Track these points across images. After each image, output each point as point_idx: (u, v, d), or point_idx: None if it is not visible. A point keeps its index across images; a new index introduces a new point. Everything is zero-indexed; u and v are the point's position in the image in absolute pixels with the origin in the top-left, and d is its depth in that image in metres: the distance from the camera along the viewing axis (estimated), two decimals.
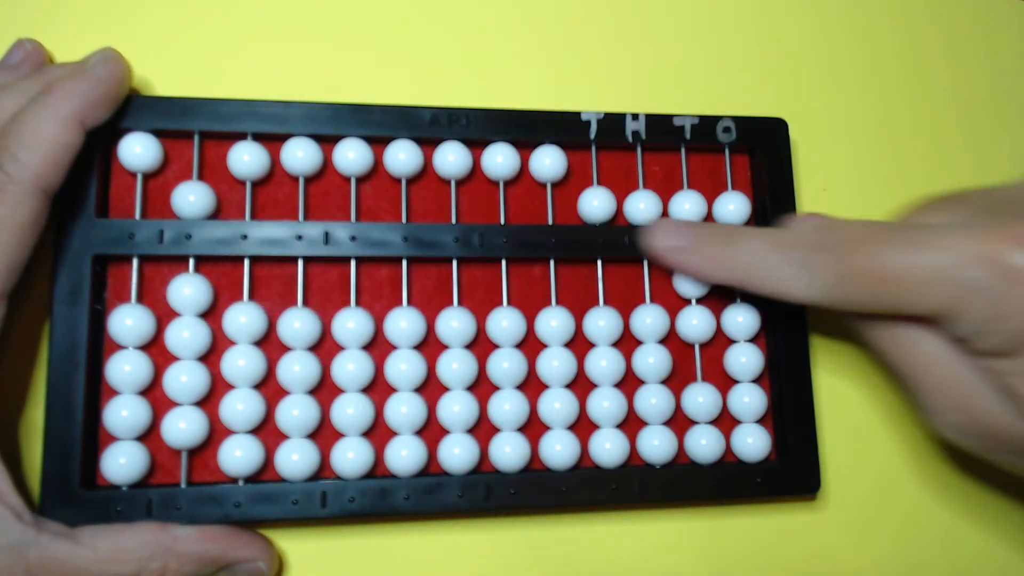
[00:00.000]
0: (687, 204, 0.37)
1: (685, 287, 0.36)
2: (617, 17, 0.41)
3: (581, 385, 0.35)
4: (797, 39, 0.42)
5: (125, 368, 0.31)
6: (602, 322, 0.35)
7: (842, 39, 0.43)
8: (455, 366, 0.34)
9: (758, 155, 0.38)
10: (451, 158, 0.35)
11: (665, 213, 0.37)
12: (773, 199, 0.37)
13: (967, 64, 0.44)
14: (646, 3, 0.41)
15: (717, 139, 0.37)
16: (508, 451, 0.33)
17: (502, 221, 0.36)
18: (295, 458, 0.32)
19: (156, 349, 0.32)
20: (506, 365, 0.34)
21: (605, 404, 0.34)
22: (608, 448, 0.34)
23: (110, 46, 0.32)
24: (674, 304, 0.37)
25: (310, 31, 0.38)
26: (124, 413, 0.31)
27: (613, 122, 0.36)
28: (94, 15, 0.36)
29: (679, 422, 0.36)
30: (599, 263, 0.36)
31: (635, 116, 0.37)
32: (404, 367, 0.33)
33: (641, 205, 0.36)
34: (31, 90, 0.30)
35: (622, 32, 0.41)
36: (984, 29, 0.45)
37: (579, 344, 0.35)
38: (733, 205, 0.37)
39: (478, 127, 0.35)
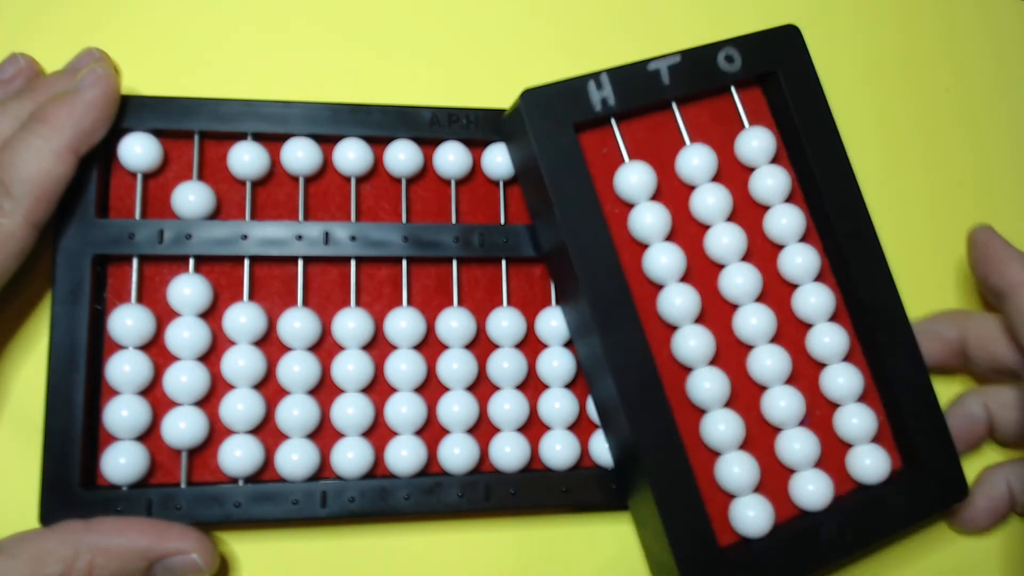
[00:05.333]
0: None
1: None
2: (624, 19, 0.41)
3: (582, 385, 0.35)
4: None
5: (125, 368, 0.31)
6: None
7: (842, 39, 0.43)
8: (455, 366, 0.34)
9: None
10: (451, 158, 0.35)
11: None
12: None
13: (968, 63, 0.44)
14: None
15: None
16: (508, 451, 0.33)
17: (502, 221, 0.36)
18: (295, 458, 0.32)
19: (156, 349, 0.32)
20: (506, 365, 0.34)
21: None
22: (608, 448, 0.34)
23: (99, 48, 0.32)
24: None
25: (310, 31, 0.38)
26: (124, 413, 0.31)
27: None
28: (94, 14, 0.36)
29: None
30: None
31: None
32: (404, 367, 0.33)
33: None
34: (22, 112, 0.30)
35: (626, 33, 0.41)
36: (985, 29, 0.45)
37: None
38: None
39: (478, 127, 0.35)
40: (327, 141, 0.35)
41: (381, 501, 0.32)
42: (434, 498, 0.32)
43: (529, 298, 0.36)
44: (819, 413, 0.35)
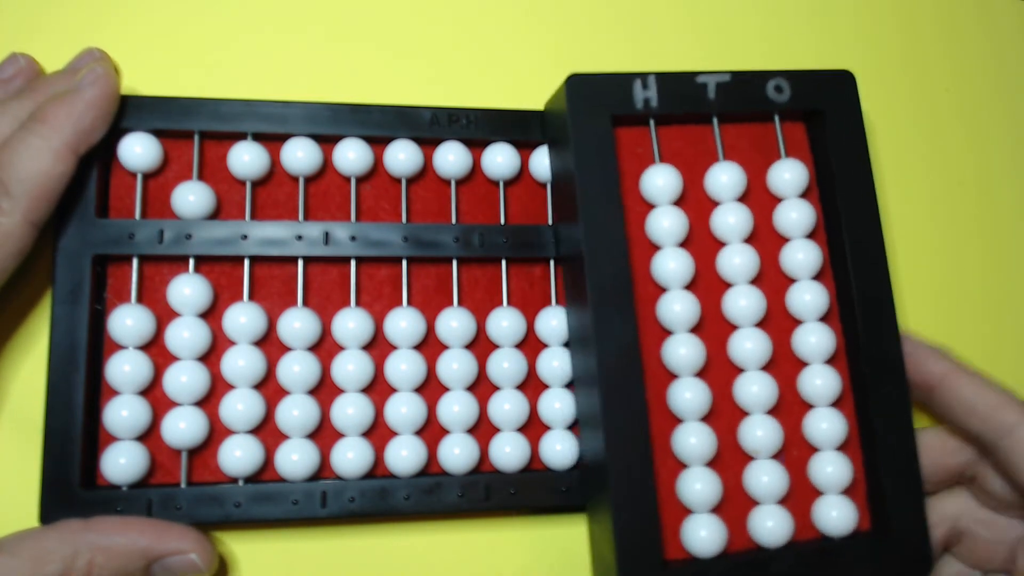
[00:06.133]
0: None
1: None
2: (620, 16, 0.41)
3: None
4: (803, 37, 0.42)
5: (125, 368, 0.31)
6: None
7: (843, 39, 0.43)
8: (455, 366, 0.34)
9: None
10: (451, 158, 0.35)
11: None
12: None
13: (968, 63, 0.44)
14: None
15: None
16: (508, 451, 0.33)
17: (502, 221, 0.36)
18: (295, 458, 0.32)
19: (156, 349, 0.32)
20: (506, 365, 0.34)
21: None
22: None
23: (99, 48, 0.32)
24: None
25: (310, 31, 0.38)
26: (124, 413, 0.31)
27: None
28: (94, 14, 0.36)
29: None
30: None
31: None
32: (404, 367, 0.33)
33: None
34: (22, 112, 0.30)
35: (625, 32, 0.41)
36: (985, 29, 0.45)
37: None
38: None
39: (478, 127, 0.35)
40: (327, 141, 0.35)
41: (381, 501, 0.32)
42: (434, 498, 0.32)
43: (529, 298, 0.36)
44: (796, 453, 0.34)
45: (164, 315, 0.33)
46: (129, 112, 0.32)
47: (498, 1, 0.40)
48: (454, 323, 0.34)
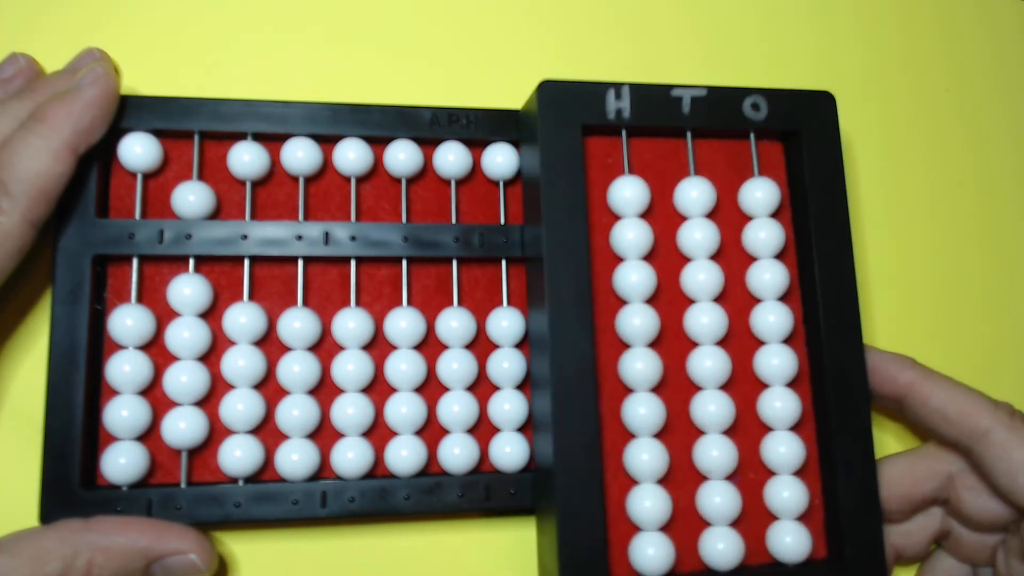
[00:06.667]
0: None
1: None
2: (620, 17, 0.41)
3: None
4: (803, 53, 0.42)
5: (125, 368, 0.31)
6: None
7: (843, 39, 0.43)
8: (455, 366, 0.34)
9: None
10: (451, 158, 0.35)
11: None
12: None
13: (968, 63, 0.44)
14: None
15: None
16: (508, 451, 0.33)
17: (502, 221, 0.36)
18: (295, 458, 0.32)
19: (156, 349, 0.32)
20: (506, 365, 0.34)
21: None
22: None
23: (99, 48, 0.32)
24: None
25: (310, 31, 0.38)
26: (124, 413, 0.31)
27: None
28: (94, 14, 0.36)
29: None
30: None
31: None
32: (404, 367, 0.33)
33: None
34: (21, 112, 0.30)
35: (625, 32, 0.41)
36: (985, 29, 0.45)
37: None
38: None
39: (478, 127, 0.35)
40: (327, 141, 0.35)
41: (381, 501, 0.32)
42: (434, 498, 0.32)
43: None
44: (753, 476, 0.33)
45: (164, 315, 0.33)
46: (129, 112, 0.32)
47: (498, 1, 0.40)
48: (454, 323, 0.34)
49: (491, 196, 0.36)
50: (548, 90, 0.33)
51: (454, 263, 0.35)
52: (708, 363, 0.33)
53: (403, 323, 0.33)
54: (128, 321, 0.32)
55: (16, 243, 0.29)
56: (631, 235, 0.33)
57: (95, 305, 0.31)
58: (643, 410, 0.32)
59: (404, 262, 0.34)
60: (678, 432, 0.33)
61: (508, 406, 0.34)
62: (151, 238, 0.32)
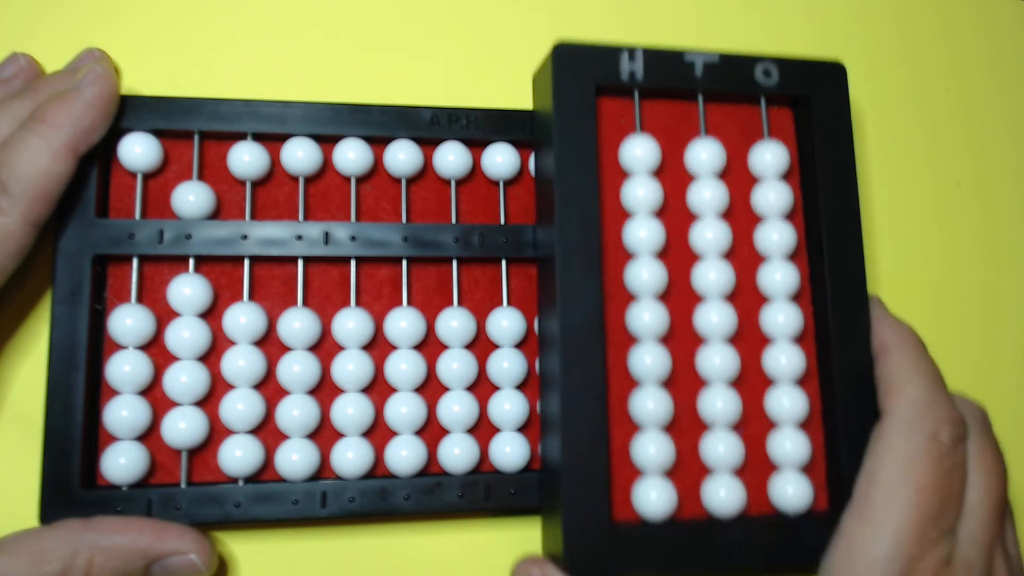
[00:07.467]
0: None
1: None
2: (622, 16, 0.41)
3: None
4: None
5: (125, 368, 0.31)
6: None
7: (843, 39, 0.43)
8: (455, 366, 0.34)
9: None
10: (451, 158, 0.35)
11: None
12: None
13: (968, 63, 0.44)
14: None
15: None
16: (508, 451, 0.33)
17: (502, 221, 0.36)
18: (295, 458, 0.32)
19: (156, 349, 0.32)
20: (506, 365, 0.34)
21: None
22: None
23: (99, 48, 0.32)
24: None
25: (310, 31, 0.38)
26: (124, 413, 0.31)
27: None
28: (94, 14, 0.36)
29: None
30: None
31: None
32: (404, 367, 0.33)
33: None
34: (21, 112, 0.30)
35: (626, 32, 0.41)
36: (985, 29, 0.45)
37: None
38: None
39: (478, 127, 0.35)
40: (327, 141, 0.35)
41: (381, 501, 0.32)
42: (434, 498, 0.32)
43: (529, 298, 0.36)
44: (757, 429, 0.34)
45: (164, 315, 0.33)
46: (129, 112, 0.32)
47: (498, 1, 0.40)
48: (454, 323, 0.34)
49: (491, 196, 0.36)
50: (563, 51, 0.33)
51: (454, 263, 0.35)
52: (715, 318, 0.33)
53: (403, 323, 0.33)
54: (128, 321, 0.32)
55: (16, 243, 0.29)
56: (641, 192, 0.33)
57: (95, 305, 0.31)
58: (649, 359, 0.32)
59: (404, 262, 0.34)
60: (684, 383, 0.34)
61: (508, 406, 0.34)
62: (151, 238, 0.32)
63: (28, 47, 0.34)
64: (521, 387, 0.34)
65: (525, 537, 0.35)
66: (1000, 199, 0.43)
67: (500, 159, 0.35)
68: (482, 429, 0.34)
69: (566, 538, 0.30)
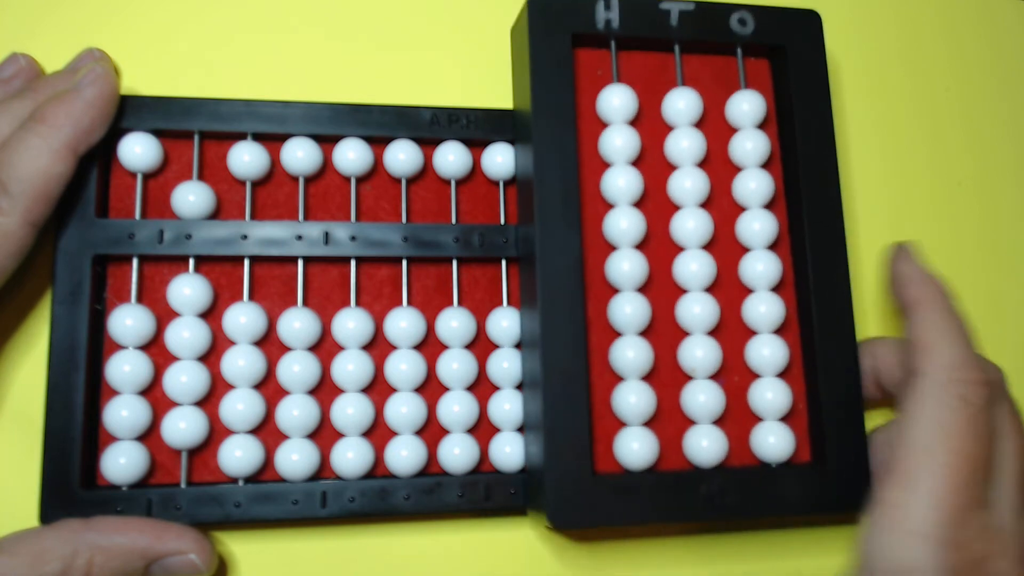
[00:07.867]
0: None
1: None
2: None
3: None
4: None
5: (125, 368, 0.31)
6: None
7: (842, 39, 0.43)
8: (455, 366, 0.34)
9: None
10: (451, 158, 0.35)
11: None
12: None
13: (968, 63, 0.44)
14: None
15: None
16: (508, 451, 0.33)
17: (502, 221, 0.36)
18: (295, 458, 0.32)
19: (156, 349, 0.32)
20: (506, 365, 0.34)
21: None
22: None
23: (99, 48, 0.32)
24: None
25: (310, 31, 0.38)
26: (124, 413, 0.31)
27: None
28: (94, 14, 0.36)
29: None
30: None
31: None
32: (404, 367, 0.33)
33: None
34: (21, 112, 0.30)
35: None
36: (985, 29, 0.45)
37: None
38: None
39: (478, 127, 0.35)
40: (327, 141, 0.35)
41: (381, 501, 0.32)
42: (434, 498, 0.32)
43: None
44: (738, 380, 0.34)
45: (164, 315, 0.33)
46: (129, 112, 0.33)
47: (498, 1, 0.40)
48: (454, 323, 0.34)
49: (491, 196, 0.36)
50: (537, 2, 0.33)
51: (454, 263, 0.35)
52: (693, 267, 0.34)
53: (403, 323, 0.33)
54: (128, 321, 0.32)
55: (16, 243, 0.29)
56: (619, 141, 0.34)
57: (95, 305, 0.31)
58: (629, 309, 0.33)
59: (404, 262, 0.34)
60: (663, 333, 0.34)
61: (508, 406, 0.34)
62: (151, 238, 0.32)
63: (28, 47, 0.34)
64: (521, 387, 0.34)
65: (525, 537, 0.35)
66: (1000, 199, 0.43)
67: (500, 159, 0.35)
68: (482, 429, 0.34)
69: (548, 489, 0.30)
